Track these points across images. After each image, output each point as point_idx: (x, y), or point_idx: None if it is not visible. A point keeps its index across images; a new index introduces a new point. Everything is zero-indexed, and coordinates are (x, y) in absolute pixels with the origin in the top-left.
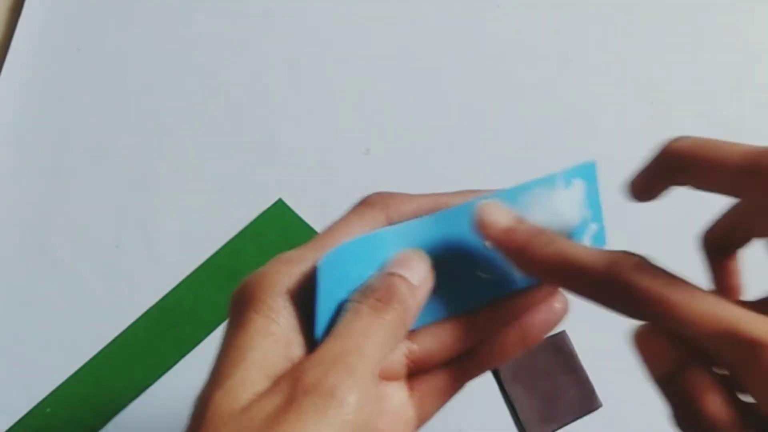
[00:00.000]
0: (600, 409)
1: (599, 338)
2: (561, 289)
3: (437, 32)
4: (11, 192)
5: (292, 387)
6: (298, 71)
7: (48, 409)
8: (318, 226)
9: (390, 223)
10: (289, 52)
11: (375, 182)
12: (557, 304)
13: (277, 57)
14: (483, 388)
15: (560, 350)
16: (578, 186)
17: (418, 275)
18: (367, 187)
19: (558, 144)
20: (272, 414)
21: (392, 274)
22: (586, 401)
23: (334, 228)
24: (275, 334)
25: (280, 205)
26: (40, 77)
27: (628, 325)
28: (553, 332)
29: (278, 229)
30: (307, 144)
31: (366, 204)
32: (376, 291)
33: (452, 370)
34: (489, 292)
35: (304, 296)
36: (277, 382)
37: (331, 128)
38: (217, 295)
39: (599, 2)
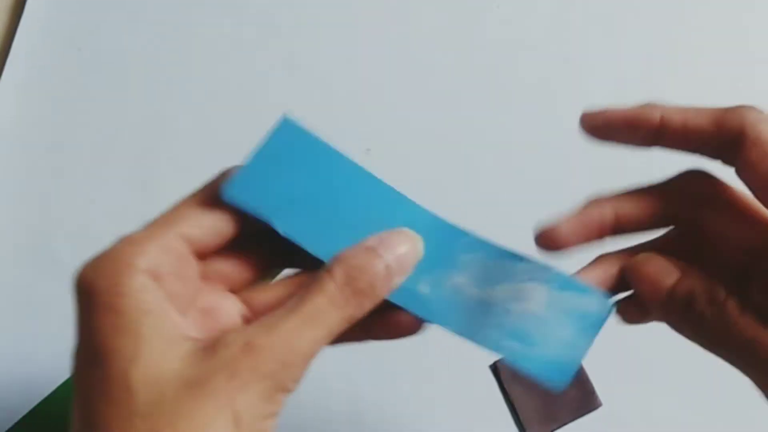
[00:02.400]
0: (600, 409)
1: (599, 338)
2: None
3: (437, 32)
4: (12, 192)
5: (244, 349)
6: (299, 71)
7: (49, 409)
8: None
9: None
10: (289, 52)
11: None
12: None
13: (277, 57)
14: (483, 387)
15: None
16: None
17: (405, 266)
18: None
19: (558, 144)
20: (210, 377)
21: (377, 256)
22: (586, 401)
23: (183, 202)
24: (151, 310)
25: None
26: (41, 77)
27: (628, 325)
28: None
29: None
30: None
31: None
32: (353, 275)
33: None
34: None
35: (157, 273)
36: (209, 348)
37: (331, 128)
38: None
39: (599, 2)
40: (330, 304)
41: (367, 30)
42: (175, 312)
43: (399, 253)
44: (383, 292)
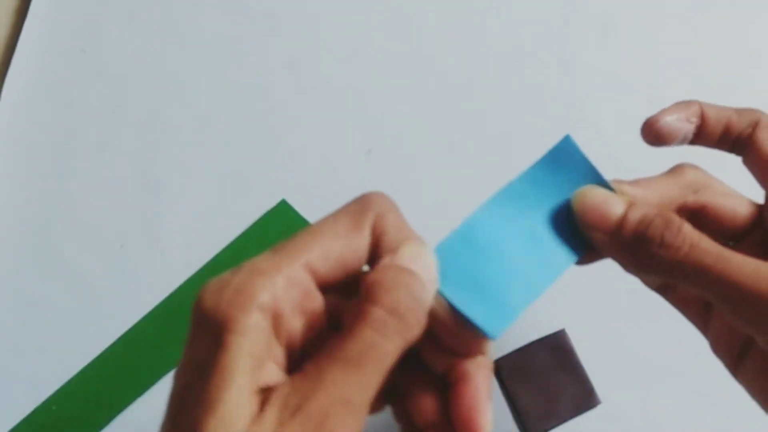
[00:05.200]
0: (599, 407)
1: (598, 336)
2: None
3: (437, 35)
4: (18, 192)
5: (290, 410)
6: (301, 73)
7: (54, 407)
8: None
9: (373, 234)
10: (291, 53)
11: (377, 182)
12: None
13: (280, 58)
14: None
15: (560, 348)
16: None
17: (430, 275)
18: (369, 187)
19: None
20: None
21: (408, 272)
22: (586, 399)
23: (315, 229)
24: (254, 354)
25: (283, 205)
26: (45, 78)
27: (627, 324)
28: (552, 330)
29: (281, 229)
30: (309, 145)
31: (360, 210)
32: (394, 298)
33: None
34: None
35: (278, 310)
36: (272, 404)
37: (333, 129)
38: None
39: (598, 4)
40: (381, 334)
41: (368, 32)
42: (280, 361)
43: (422, 264)
44: (425, 307)
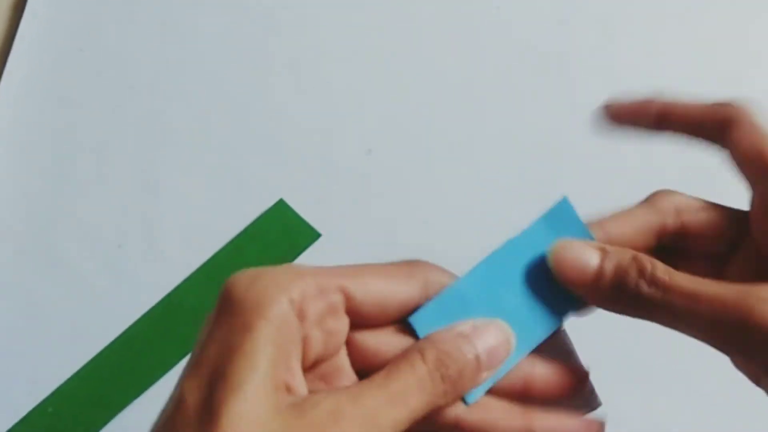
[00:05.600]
0: (599, 409)
1: (599, 337)
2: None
3: (437, 34)
4: (15, 192)
5: (327, 415)
6: (300, 72)
7: (50, 409)
8: (319, 225)
9: (424, 292)
10: (291, 52)
11: (377, 182)
12: None
13: (279, 58)
14: None
15: (560, 349)
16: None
17: (495, 360)
18: (369, 187)
19: (558, 144)
20: None
21: (468, 344)
22: (585, 400)
23: (363, 266)
24: (279, 345)
25: (281, 205)
26: (42, 77)
27: (628, 326)
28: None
29: (279, 228)
30: (308, 144)
31: (409, 264)
32: (444, 360)
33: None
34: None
35: (303, 310)
36: (298, 406)
37: (332, 128)
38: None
39: (598, 3)
40: (418, 386)
41: (368, 31)
42: (298, 358)
43: (490, 345)
44: (469, 385)
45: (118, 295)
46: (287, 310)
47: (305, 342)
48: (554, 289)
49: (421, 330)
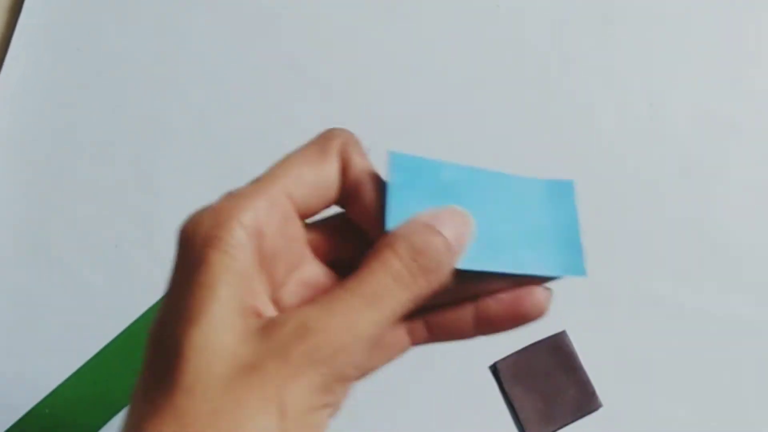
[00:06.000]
0: (600, 410)
1: (599, 338)
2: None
3: (437, 32)
4: (11, 191)
5: (295, 334)
6: (299, 71)
7: (47, 410)
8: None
9: (341, 162)
10: (289, 52)
11: None
12: (531, 299)
13: (277, 57)
14: (483, 387)
15: (560, 350)
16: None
17: (462, 243)
18: None
19: (558, 144)
20: (263, 361)
21: (438, 234)
22: (586, 401)
23: (286, 160)
24: (238, 271)
25: None
26: (39, 77)
27: (629, 326)
28: (553, 332)
29: None
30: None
31: (327, 138)
32: (417, 249)
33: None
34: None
35: (260, 229)
36: (266, 328)
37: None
38: None
39: (598, 2)
40: (395, 282)
41: (367, 30)
42: (263, 279)
43: (455, 231)
44: (447, 270)
45: (116, 295)
46: (240, 236)
47: (274, 257)
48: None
49: (393, 220)
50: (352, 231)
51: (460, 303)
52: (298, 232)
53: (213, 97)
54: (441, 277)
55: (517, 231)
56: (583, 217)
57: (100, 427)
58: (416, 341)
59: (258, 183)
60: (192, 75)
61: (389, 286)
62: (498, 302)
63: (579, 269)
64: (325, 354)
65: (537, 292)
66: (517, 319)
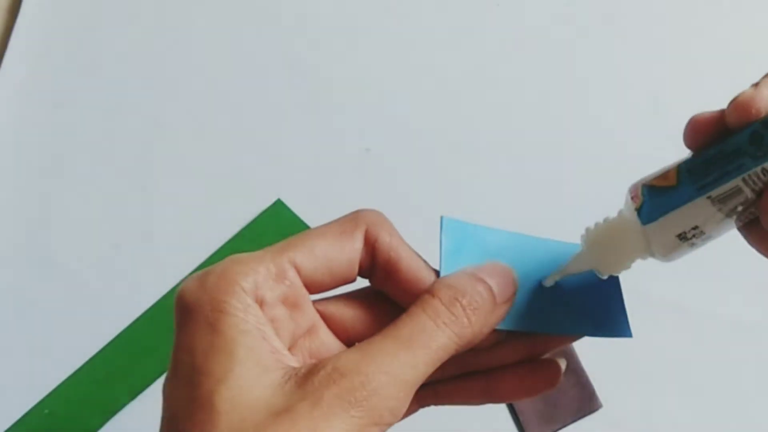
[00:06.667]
0: (600, 410)
1: (599, 338)
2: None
3: (436, 31)
4: (9, 192)
5: (329, 378)
6: (298, 71)
7: (46, 410)
8: (317, 225)
9: (366, 243)
10: (288, 52)
11: (375, 181)
12: (545, 373)
13: (276, 57)
14: None
15: (560, 351)
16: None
17: (506, 294)
18: (368, 187)
19: (558, 144)
20: (294, 405)
21: (481, 281)
22: (586, 402)
23: (303, 233)
24: (250, 331)
25: (278, 205)
26: (38, 77)
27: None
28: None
29: (277, 229)
30: (306, 144)
31: (351, 219)
32: (459, 291)
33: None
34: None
35: (259, 295)
36: (298, 376)
37: (330, 128)
38: None
39: (599, 2)
40: (433, 321)
41: (366, 29)
42: (275, 337)
43: (499, 281)
44: (491, 317)
45: (114, 296)
46: (244, 298)
47: (275, 324)
48: (559, 303)
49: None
50: (379, 308)
51: (471, 375)
52: (304, 303)
53: (213, 97)
54: (484, 320)
55: (558, 294)
56: (582, 216)
57: (100, 427)
58: (423, 405)
59: (264, 250)
60: (191, 75)
61: (426, 326)
62: (513, 375)
63: (624, 330)
64: (359, 396)
65: (551, 366)
66: (530, 392)
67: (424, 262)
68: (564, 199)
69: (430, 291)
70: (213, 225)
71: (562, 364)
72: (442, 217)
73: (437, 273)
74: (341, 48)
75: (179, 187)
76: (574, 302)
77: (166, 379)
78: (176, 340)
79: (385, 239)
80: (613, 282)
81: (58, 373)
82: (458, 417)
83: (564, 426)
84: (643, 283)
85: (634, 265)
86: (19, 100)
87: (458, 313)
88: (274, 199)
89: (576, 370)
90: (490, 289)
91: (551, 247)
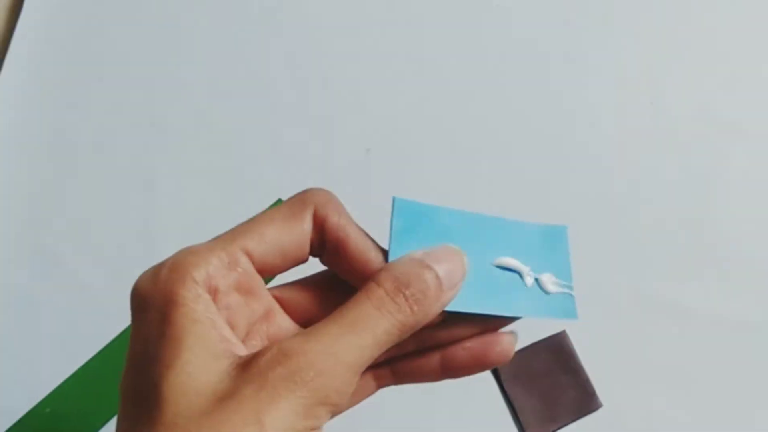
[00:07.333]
0: (600, 410)
1: (600, 338)
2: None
3: (436, 31)
4: (11, 192)
5: (276, 361)
6: (299, 71)
7: (47, 409)
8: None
9: (315, 223)
10: (289, 51)
11: (376, 182)
12: (497, 348)
13: (278, 56)
14: (482, 388)
15: (560, 350)
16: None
17: (454, 279)
18: (368, 187)
19: (558, 144)
20: (240, 388)
21: (428, 268)
22: (587, 402)
23: (251, 220)
24: (200, 320)
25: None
26: (39, 77)
27: (630, 327)
28: (553, 332)
29: None
30: (307, 143)
31: (299, 200)
32: (404, 281)
33: (371, 372)
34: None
35: (212, 285)
36: (245, 362)
37: (331, 128)
38: None
39: (599, 1)
40: (377, 310)
41: (366, 30)
42: (226, 326)
43: (447, 267)
44: (435, 304)
45: (115, 296)
46: (196, 289)
47: (229, 311)
48: (515, 284)
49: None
50: (335, 291)
51: (426, 351)
52: (258, 288)
53: (213, 97)
54: (428, 308)
55: (509, 274)
56: (582, 216)
57: (102, 426)
58: (381, 385)
59: (215, 240)
60: (192, 75)
61: (370, 313)
62: (465, 350)
63: (570, 312)
64: (305, 377)
65: (503, 339)
66: (484, 365)
67: (373, 242)
68: (564, 200)
69: (375, 279)
70: (214, 225)
71: (515, 336)
72: (394, 198)
73: (386, 253)
74: (341, 48)
75: (180, 187)
76: (523, 283)
77: (123, 372)
78: (131, 333)
79: (333, 219)
80: (564, 262)
81: (60, 371)
82: (458, 417)
83: (564, 425)
84: (643, 283)
85: (634, 264)
86: (21, 98)
87: (401, 303)
88: (274, 199)
89: (576, 370)
90: (437, 276)
91: (506, 225)
